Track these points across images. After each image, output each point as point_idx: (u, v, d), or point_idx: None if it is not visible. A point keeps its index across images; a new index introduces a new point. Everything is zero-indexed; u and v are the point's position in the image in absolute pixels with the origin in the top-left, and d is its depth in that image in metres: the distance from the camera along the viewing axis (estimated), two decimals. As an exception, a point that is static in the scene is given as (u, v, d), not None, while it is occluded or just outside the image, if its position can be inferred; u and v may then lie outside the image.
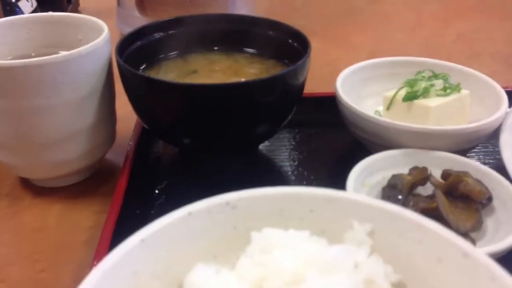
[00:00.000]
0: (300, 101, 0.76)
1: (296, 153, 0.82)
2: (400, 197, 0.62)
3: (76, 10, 1.36)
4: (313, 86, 1.11)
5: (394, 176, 0.67)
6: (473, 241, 0.58)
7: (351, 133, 0.80)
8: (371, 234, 0.42)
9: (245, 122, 0.68)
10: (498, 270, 0.35)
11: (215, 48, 0.82)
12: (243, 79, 0.76)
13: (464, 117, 0.78)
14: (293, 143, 0.85)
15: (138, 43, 0.75)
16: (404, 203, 0.61)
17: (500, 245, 0.54)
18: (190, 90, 0.64)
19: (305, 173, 0.78)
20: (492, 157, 0.80)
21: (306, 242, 0.39)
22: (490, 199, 0.64)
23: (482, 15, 1.51)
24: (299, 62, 0.68)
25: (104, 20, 0.71)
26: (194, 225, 0.41)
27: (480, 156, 0.81)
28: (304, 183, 0.75)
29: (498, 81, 0.85)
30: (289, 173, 0.78)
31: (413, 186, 0.66)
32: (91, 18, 0.72)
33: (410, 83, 0.77)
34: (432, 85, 0.76)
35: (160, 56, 0.79)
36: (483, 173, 0.66)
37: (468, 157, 0.81)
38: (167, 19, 0.79)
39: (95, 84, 0.67)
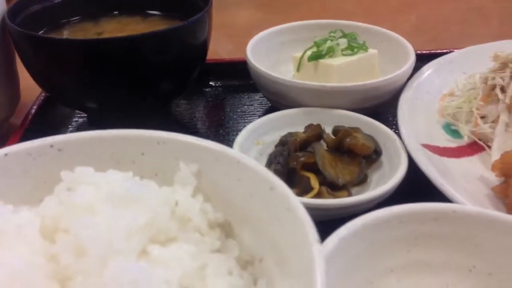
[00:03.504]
0: (204, 60, 0.75)
1: (211, 114, 0.83)
2: (285, 152, 0.61)
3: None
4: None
5: (288, 134, 0.66)
6: (350, 193, 0.58)
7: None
8: (197, 174, 0.41)
9: (141, 79, 0.67)
10: (294, 202, 0.34)
11: (121, 12, 0.81)
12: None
13: (372, 76, 0.76)
14: (209, 106, 0.85)
15: (36, 6, 0.73)
16: (288, 158, 0.60)
17: (367, 195, 0.53)
18: (77, 45, 0.63)
19: (212, 132, 0.78)
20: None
21: (117, 180, 0.38)
22: (378, 153, 0.63)
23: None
24: (193, 18, 0.67)
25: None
26: (12, 168, 0.40)
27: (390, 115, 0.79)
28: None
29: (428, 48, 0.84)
30: (197, 133, 0.78)
31: (306, 142, 0.65)
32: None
33: (318, 43, 0.76)
34: (337, 44, 0.75)
35: (63, 20, 0.77)
36: (376, 129, 0.65)
37: (378, 116, 0.80)
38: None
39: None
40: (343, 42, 0.74)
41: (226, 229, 0.40)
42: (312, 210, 0.54)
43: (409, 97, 0.71)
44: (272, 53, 0.85)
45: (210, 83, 0.90)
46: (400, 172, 0.56)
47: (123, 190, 0.36)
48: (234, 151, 0.40)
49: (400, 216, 0.45)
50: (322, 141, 0.65)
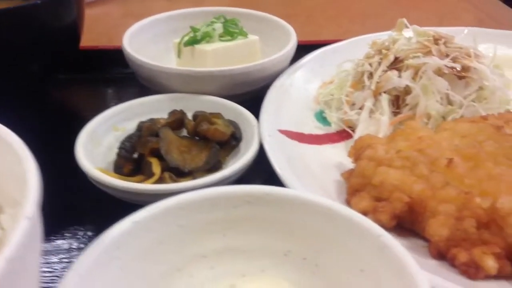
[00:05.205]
0: (75, 43, 0.72)
1: (90, 102, 0.80)
2: (134, 137, 0.58)
3: None
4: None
5: (149, 120, 0.63)
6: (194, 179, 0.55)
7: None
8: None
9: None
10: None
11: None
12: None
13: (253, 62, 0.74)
14: (92, 93, 0.82)
15: None
16: (135, 144, 0.57)
17: (200, 181, 0.50)
18: None
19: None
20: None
21: None
22: (237, 139, 0.60)
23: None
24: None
25: None
26: None
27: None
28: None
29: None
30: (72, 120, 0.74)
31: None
32: None
33: (194, 29, 0.73)
34: (213, 29, 0.72)
35: None
36: (239, 115, 0.63)
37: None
38: None
39: None
40: (219, 27, 0.72)
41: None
42: (150, 197, 0.52)
43: (283, 84, 0.69)
44: (160, 41, 0.82)
45: (102, 70, 0.86)
46: (245, 158, 0.54)
47: None
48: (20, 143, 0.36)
49: (211, 199, 0.42)
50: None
